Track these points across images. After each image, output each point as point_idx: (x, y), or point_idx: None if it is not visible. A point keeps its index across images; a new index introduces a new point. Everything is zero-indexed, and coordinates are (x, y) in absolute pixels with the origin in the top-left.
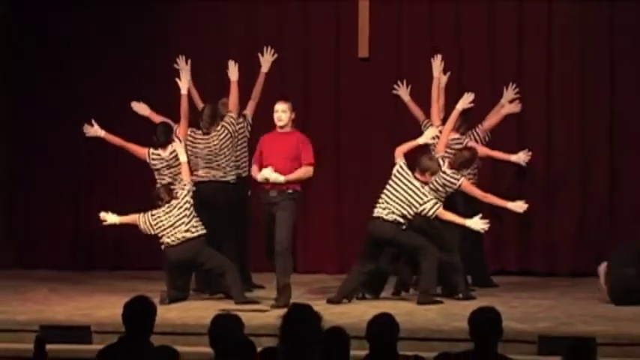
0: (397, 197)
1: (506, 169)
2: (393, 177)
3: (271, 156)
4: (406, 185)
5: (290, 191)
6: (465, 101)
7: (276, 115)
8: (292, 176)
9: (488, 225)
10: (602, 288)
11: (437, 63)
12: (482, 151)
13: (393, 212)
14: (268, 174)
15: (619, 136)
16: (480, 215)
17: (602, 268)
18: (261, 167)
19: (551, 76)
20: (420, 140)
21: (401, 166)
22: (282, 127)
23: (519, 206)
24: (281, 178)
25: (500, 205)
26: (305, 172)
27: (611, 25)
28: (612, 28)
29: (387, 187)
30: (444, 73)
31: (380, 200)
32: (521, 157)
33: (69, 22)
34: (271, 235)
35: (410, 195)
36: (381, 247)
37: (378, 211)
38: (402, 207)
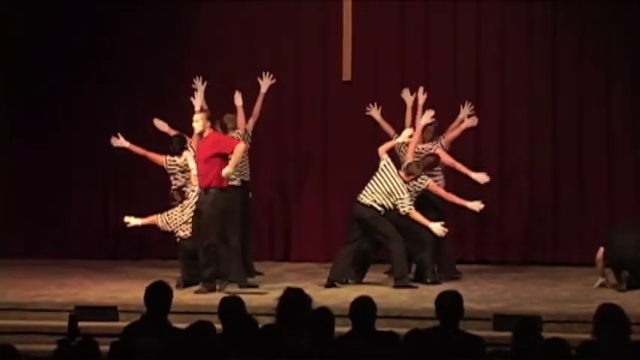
0: (381, 189)
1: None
2: (380, 171)
3: (198, 159)
4: (390, 180)
5: (211, 191)
6: (427, 117)
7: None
8: (233, 162)
9: (446, 231)
10: (601, 271)
11: (406, 95)
12: (448, 161)
13: (375, 200)
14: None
15: (562, 142)
16: (443, 222)
17: (599, 254)
18: None
19: (503, 92)
20: (399, 139)
21: (388, 162)
22: (199, 135)
23: (476, 205)
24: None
25: (461, 204)
26: (238, 152)
27: (555, 36)
28: (556, 40)
29: (374, 178)
30: (411, 94)
31: (365, 189)
32: (479, 177)
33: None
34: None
35: (392, 188)
36: (362, 228)
37: (362, 197)
38: (383, 197)
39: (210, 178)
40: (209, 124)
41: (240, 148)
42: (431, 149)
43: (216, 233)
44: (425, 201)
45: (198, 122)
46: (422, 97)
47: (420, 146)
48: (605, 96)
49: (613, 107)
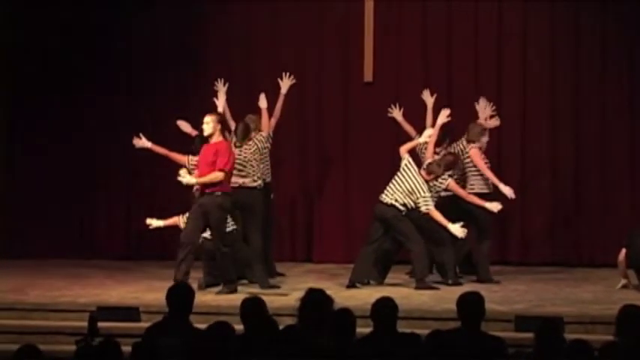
0: (402, 188)
1: None
2: (401, 170)
3: (199, 163)
4: (411, 179)
5: (215, 194)
6: (443, 116)
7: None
8: (201, 180)
9: (465, 232)
10: (623, 272)
11: (427, 96)
12: (480, 165)
13: (397, 200)
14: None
15: (584, 142)
16: (462, 223)
17: (621, 255)
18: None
19: (525, 93)
20: (421, 139)
21: (409, 162)
22: (208, 137)
23: (495, 206)
24: (191, 181)
25: (480, 205)
26: (213, 177)
27: (577, 37)
28: (578, 40)
29: (395, 178)
30: (432, 94)
31: (387, 189)
32: (507, 191)
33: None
34: (191, 228)
35: (413, 187)
36: (383, 228)
37: (383, 197)
38: (404, 197)
39: (214, 183)
40: (219, 127)
41: (217, 175)
42: (465, 150)
43: (230, 235)
44: (447, 202)
45: (209, 124)
46: (430, 100)
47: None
48: (628, 97)
49: (636, 108)
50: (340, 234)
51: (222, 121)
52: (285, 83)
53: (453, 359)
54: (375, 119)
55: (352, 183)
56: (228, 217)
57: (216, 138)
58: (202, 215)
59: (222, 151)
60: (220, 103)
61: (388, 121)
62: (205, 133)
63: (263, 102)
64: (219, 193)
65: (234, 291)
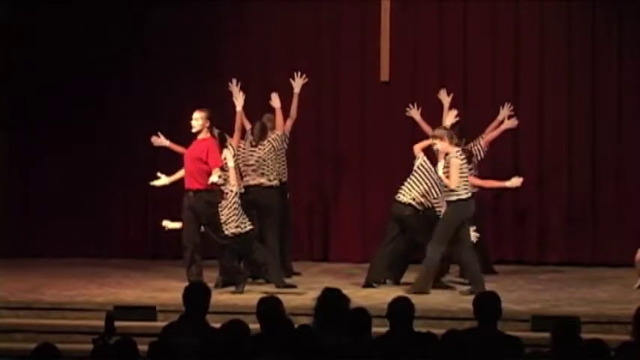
0: (419, 186)
1: (504, 171)
2: (416, 169)
3: (186, 159)
4: (427, 178)
5: (202, 193)
6: (451, 117)
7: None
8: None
9: (478, 236)
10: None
11: (443, 95)
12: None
13: (414, 198)
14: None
15: (601, 142)
16: (475, 227)
17: (638, 254)
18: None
19: (542, 92)
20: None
21: (424, 161)
22: (196, 133)
23: (515, 182)
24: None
25: (501, 187)
26: (219, 172)
27: (594, 37)
28: (595, 40)
29: (411, 177)
30: (448, 94)
31: (403, 187)
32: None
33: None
34: (189, 230)
35: (429, 187)
36: (400, 227)
37: (400, 196)
38: (421, 196)
39: (200, 180)
40: (208, 124)
41: (216, 172)
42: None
43: (246, 234)
44: None
45: (198, 121)
46: (447, 99)
47: None
48: None
49: None
50: (357, 233)
51: (212, 118)
52: (298, 83)
53: (469, 359)
54: (391, 119)
55: (369, 182)
56: (245, 216)
57: (204, 135)
58: (194, 215)
59: (213, 148)
60: (239, 102)
61: (405, 121)
62: (194, 130)
63: (276, 102)
64: (205, 190)
65: (245, 281)
